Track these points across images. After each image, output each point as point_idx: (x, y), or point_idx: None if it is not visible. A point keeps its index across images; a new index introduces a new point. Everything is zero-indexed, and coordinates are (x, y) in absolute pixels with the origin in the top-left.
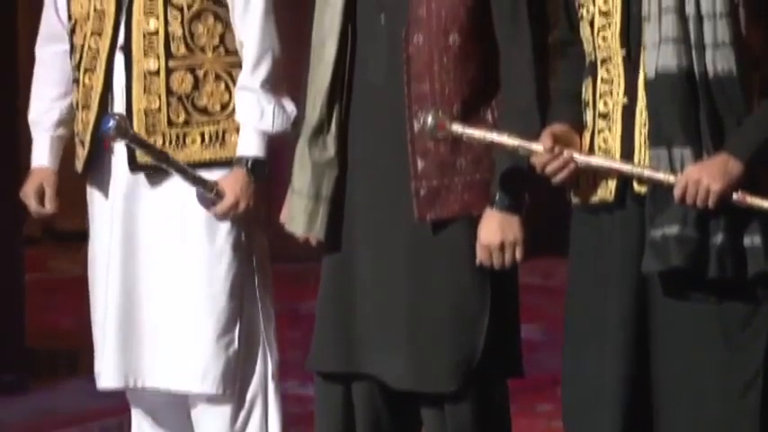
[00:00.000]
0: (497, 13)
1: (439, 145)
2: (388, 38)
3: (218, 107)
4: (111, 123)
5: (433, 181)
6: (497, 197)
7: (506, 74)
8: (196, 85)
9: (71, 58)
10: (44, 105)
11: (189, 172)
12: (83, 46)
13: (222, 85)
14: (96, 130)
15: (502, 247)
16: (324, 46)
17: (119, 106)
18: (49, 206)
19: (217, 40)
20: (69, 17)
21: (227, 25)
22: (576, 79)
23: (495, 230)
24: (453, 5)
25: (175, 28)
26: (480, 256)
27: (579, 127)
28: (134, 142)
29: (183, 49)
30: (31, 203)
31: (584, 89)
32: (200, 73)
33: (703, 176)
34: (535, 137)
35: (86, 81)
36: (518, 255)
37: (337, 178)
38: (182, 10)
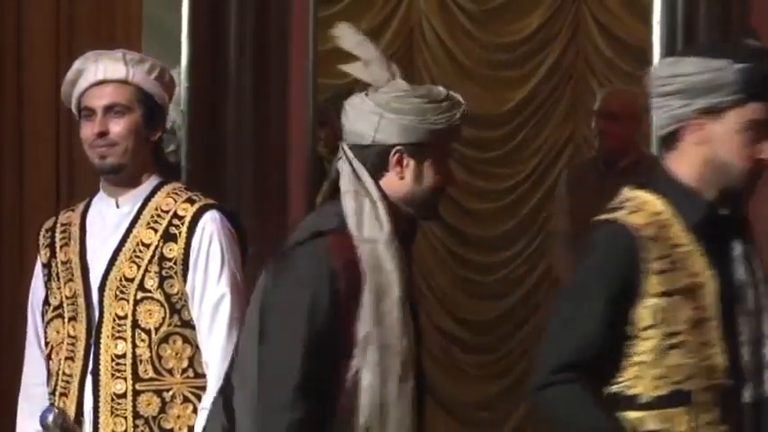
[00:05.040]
0: None
1: None
2: None
3: (184, 430)
4: (50, 417)
5: None
6: None
7: None
8: (163, 407)
9: (48, 385)
10: None
11: None
12: (58, 371)
13: (190, 408)
14: None
15: None
16: None
17: (87, 430)
18: None
19: (186, 363)
20: (46, 344)
21: (196, 348)
22: None
23: None
24: None
25: (143, 350)
26: None
27: None
28: None
29: (150, 372)
30: None
31: None
32: (168, 395)
33: None
34: None
35: (61, 406)
36: None
37: None
38: (149, 333)
